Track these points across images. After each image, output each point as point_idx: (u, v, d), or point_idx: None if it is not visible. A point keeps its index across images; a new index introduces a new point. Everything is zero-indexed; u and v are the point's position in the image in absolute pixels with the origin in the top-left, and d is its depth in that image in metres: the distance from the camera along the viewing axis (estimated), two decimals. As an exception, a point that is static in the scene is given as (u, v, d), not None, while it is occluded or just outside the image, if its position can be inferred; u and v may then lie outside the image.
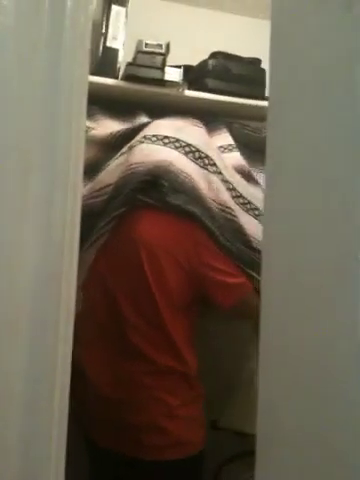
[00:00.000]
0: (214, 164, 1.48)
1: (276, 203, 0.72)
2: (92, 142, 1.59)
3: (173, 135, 1.46)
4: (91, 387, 1.41)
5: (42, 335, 0.63)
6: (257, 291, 1.44)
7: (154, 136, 1.45)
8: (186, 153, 1.44)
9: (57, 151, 0.65)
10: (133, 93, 1.68)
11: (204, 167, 1.46)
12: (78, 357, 1.41)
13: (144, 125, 1.54)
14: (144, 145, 1.43)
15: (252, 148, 1.79)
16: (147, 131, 1.47)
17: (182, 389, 1.36)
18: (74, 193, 0.67)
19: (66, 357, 0.65)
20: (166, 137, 1.45)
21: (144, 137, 1.45)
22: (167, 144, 1.43)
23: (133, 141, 1.46)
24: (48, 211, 0.64)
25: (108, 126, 1.63)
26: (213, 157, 1.50)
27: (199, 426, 1.40)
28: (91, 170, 1.56)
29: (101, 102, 1.70)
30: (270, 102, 0.82)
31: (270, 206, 0.74)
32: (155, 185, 1.37)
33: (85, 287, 1.37)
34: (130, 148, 1.45)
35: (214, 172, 1.47)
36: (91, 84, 1.62)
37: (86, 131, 1.60)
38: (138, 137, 1.47)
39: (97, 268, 1.40)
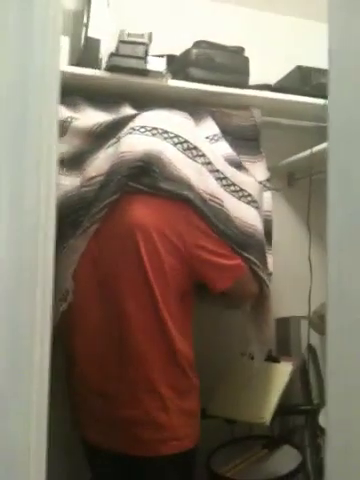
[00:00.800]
0: (203, 155, 1.49)
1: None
2: (76, 132, 1.58)
3: (161, 126, 1.45)
4: (84, 380, 1.41)
5: (16, 334, 0.61)
6: (252, 272, 1.46)
7: (142, 127, 1.44)
8: (175, 144, 1.44)
9: (27, 139, 0.64)
10: (116, 84, 1.67)
11: (193, 158, 1.46)
12: (71, 349, 1.43)
13: (131, 117, 1.53)
14: (133, 136, 1.42)
15: (235, 136, 1.80)
16: (135, 123, 1.47)
17: (177, 380, 1.35)
18: (47, 180, 0.65)
19: (44, 357, 0.63)
20: (154, 128, 1.45)
21: (132, 128, 1.44)
22: (156, 135, 1.43)
23: (121, 132, 1.46)
24: (19, 201, 0.62)
25: (91, 116, 1.62)
26: (202, 148, 1.50)
27: (195, 418, 1.40)
28: (76, 161, 1.55)
29: (84, 93, 1.70)
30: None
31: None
32: (146, 171, 1.37)
33: (77, 275, 1.38)
34: (119, 139, 1.44)
35: (203, 163, 1.47)
36: (74, 75, 1.65)
37: (70, 121, 1.61)
38: (126, 129, 1.46)
39: (90, 255, 1.39)
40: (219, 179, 1.50)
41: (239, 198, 1.54)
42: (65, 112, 1.62)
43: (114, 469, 1.43)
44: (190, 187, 1.39)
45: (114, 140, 1.46)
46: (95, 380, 1.38)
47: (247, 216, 1.50)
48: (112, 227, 1.38)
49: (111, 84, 1.67)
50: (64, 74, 1.59)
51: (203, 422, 1.60)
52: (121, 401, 1.33)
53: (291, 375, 1.71)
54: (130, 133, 1.43)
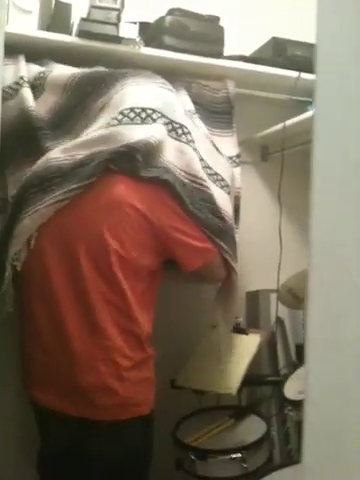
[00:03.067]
0: (189, 133, 1.48)
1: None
2: (53, 86, 1.57)
3: (149, 106, 1.45)
4: (40, 344, 1.41)
5: None
6: (222, 258, 1.47)
7: (132, 110, 1.43)
8: (162, 124, 1.44)
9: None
10: (87, 50, 1.63)
11: (178, 138, 1.46)
12: (29, 311, 1.43)
13: (108, 74, 1.53)
14: (121, 128, 1.40)
15: (210, 109, 1.78)
16: (124, 104, 1.44)
17: (133, 350, 1.37)
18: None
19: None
20: (143, 110, 1.43)
21: (121, 113, 1.42)
22: (145, 120, 1.42)
23: (111, 119, 1.43)
24: None
25: (65, 69, 1.61)
26: (188, 126, 1.50)
27: (149, 387, 1.42)
28: (59, 119, 1.55)
29: (54, 59, 1.65)
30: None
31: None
32: (128, 157, 1.36)
33: (41, 240, 1.38)
34: (107, 127, 1.42)
35: (187, 142, 1.47)
36: (44, 40, 1.60)
37: (45, 75, 1.58)
38: (115, 112, 1.43)
39: (57, 223, 1.38)
40: (200, 160, 1.50)
41: (214, 182, 1.54)
42: (38, 68, 1.60)
43: (67, 433, 1.44)
44: (170, 170, 1.40)
45: (103, 128, 1.42)
46: (52, 345, 1.39)
47: (220, 201, 1.51)
48: (85, 202, 1.37)
49: (82, 50, 1.63)
50: (33, 39, 1.58)
51: (171, 393, 1.63)
52: (78, 367, 1.35)
53: (259, 347, 1.74)
54: (119, 122, 1.41)
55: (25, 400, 1.53)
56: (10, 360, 1.55)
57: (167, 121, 1.46)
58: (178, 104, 1.57)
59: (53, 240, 1.39)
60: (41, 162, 1.45)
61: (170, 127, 1.47)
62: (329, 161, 0.61)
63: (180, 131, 1.47)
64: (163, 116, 1.46)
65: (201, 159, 1.50)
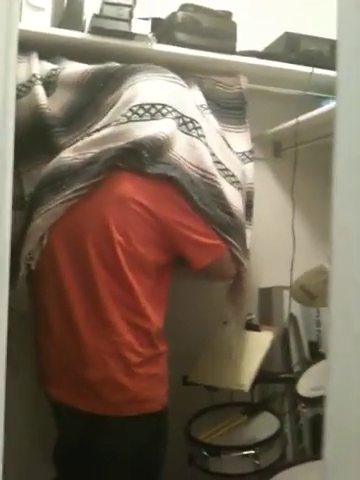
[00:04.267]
0: (199, 127, 1.47)
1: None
2: (66, 84, 1.58)
3: (159, 101, 1.44)
4: (52, 339, 1.43)
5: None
6: (232, 254, 1.47)
7: (141, 107, 1.42)
8: (173, 119, 1.43)
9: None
10: (100, 47, 1.63)
11: (188, 133, 1.45)
12: (41, 308, 1.44)
13: (120, 69, 1.52)
14: (131, 125, 1.40)
15: (222, 105, 1.77)
16: (134, 101, 1.43)
17: (143, 346, 1.36)
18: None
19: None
20: (153, 106, 1.43)
21: (131, 110, 1.41)
22: (155, 116, 1.41)
23: (120, 116, 1.42)
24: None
25: (77, 66, 1.61)
26: (198, 120, 1.49)
27: (159, 383, 1.41)
28: (72, 116, 1.55)
29: (67, 56, 1.66)
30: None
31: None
32: (135, 154, 1.35)
33: (51, 239, 1.40)
34: (117, 124, 1.42)
35: (199, 136, 1.46)
36: (56, 37, 1.61)
37: (58, 72, 1.58)
38: (125, 109, 1.43)
39: (66, 222, 1.39)
40: (211, 155, 1.49)
41: (224, 177, 1.53)
42: (50, 66, 1.61)
43: (78, 427, 1.45)
44: (178, 167, 1.39)
45: (113, 124, 1.42)
46: (63, 341, 1.40)
47: (230, 196, 1.50)
48: (95, 199, 1.38)
49: (94, 47, 1.64)
50: (46, 36, 1.58)
51: (184, 389, 1.63)
52: (87, 362, 1.35)
53: (272, 344, 1.73)
54: (129, 119, 1.41)
55: (42, 394, 1.54)
56: (27, 356, 1.57)
57: (178, 115, 1.45)
58: (189, 98, 1.55)
59: (63, 238, 1.40)
60: (53, 162, 1.46)
61: (181, 121, 1.46)
62: (352, 157, 0.59)
63: (191, 125, 1.46)
64: (174, 110, 1.45)
65: (212, 154, 1.49)
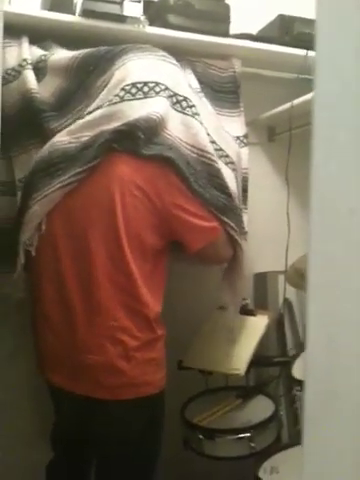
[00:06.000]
0: (193, 105, 1.45)
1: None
2: (55, 69, 1.56)
3: (152, 79, 1.42)
4: (48, 324, 1.43)
5: None
6: (228, 235, 1.46)
7: (133, 86, 1.40)
8: (166, 97, 1.42)
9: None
10: (91, 30, 1.61)
11: (182, 111, 1.43)
12: (39, 294, 1.44)
13: (114, 54, 1.49)
14: (124, 104, 1.38)
15: (216, 89, 1.76)
16: (126, 80, 1.41)
17: (140, 331, 1.36)
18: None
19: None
20: (145, 84, 1.41)
21: (123, 90, 1.40)
22: (147, 94, 1.40)
23: (113, 96, 1.40)
24: None
25: (66, 52, 1.59)
26: (192, 99, 1.47)
27: (157, 367, 1.42)
28: (63, 101, 1.54)
29: (58, 40, 1.64)
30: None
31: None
32: (130, 135, 1.34)
33: (49, 223, 1.39)
34: (110, 105, 1.40)
35: (193, 114, 1.44)
36: (47, 20, 1.59)
37: (46, 58, 1.57)
38: (117, 89, 1.41)
39: (65, 207, 1.39)
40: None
41: (219, 157, 1.51)
42: (40, 51, 1.59)
43: (76, 412, 1.46)
44: (174, 147, 1.37)
45: (106, 105, 1.41)
46: (61, 326, 1.40)
47: (226, 177, 1.49)
48: (92, 183, 1.37)
49: (85, 30, 1.61)
50: (36, 19, 1.56)
51: (179, 374, 1.63)
52: (85, 347, 1.35)
53: (266, 328, 1.74)
54: (121, 99, 1.39)
55: (40, 379, 1.55)
56: (25, 341, 1.57)
57: (171, 94, 1.43)
58: (181, 76, 1.53)
59: (62, 222, 1.39)
60: (47, 146, 1.44)
61: (174, 100, 1.43)
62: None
63: (184, 104, 1.44)
64: (167, 89, 1.43)
65: (207, 134, 1.47)
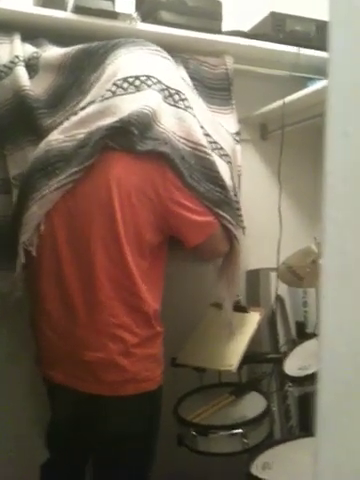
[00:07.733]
0: (186, 99, 1.45)
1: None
2: (48, 66, 1.55)
3: (144, 73, 1.41)
4: (48, 320, 1.43)
5: None
6: (226, 229, 1.46)
7: (125, 81, 1.40)
8: (158, 91, 1.41)
9: None
10: (83, 26, 1.60)
11: (175, 104, 1.43)
12: (39, 292, 1.44)
13: (106, 49, 1.49)
14: (116, 99, 1.38)
15: (208, 86, 1.76)
16: (117, 75, 1.41)
17: (140, 327, 1.37)
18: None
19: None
20: (137, 78, 1.40)
21: (115, 85, 1.39)
22: (139, 87, 1.39)
23: (105, 91, 1.40)
24: None
25: (58, 50, 1.58)
26: (184, 91, 1.47)
27: (156, 363, 1.43)
28: (57, 98, 1.53)
29: (50, 36, 1.63)
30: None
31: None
32: (124, 132, 1.34)
33: (49, 223, 1.39)
34: (102, 100, 1.40)
35: (186, 107, 1.44)
36: (39, 17, 1.57)
37: (38, 55, 1.55)
38: (109, 84, 1.41)
39: (63, 207, 1.38)
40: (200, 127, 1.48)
41: (213, 150, 1.51)
42: (32, 49, 1.58)
43: (75, 409, 1.46)
44: (169, 140, 1.37)
45: (98, 100, 1.41)
46: (60, 323, 1.40)
47: (221, 170, 1.49)
48: (89, 182, 1.37)
49: (77, 27, 1.61)
50: (29, 15, 1.55)
51: (173, 370, 1.64)
52: (85, 344, 1.36)
53: (259, 324, 1.74)
54: (113, 93, 1.39)
55: (38, 376, 1.55)
56: (24, 338, 1.57)
57: (163, 87, 1.43)
58: (173, 70, 1.53)
59: (61, 222, 1.39)
60: (42, 145, 1.44)
61: (166, 93, 1.43)
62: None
63: (177, 97, 1.44)
64: (159, 82, 1.42)
65: (201, 126, 1.47)
